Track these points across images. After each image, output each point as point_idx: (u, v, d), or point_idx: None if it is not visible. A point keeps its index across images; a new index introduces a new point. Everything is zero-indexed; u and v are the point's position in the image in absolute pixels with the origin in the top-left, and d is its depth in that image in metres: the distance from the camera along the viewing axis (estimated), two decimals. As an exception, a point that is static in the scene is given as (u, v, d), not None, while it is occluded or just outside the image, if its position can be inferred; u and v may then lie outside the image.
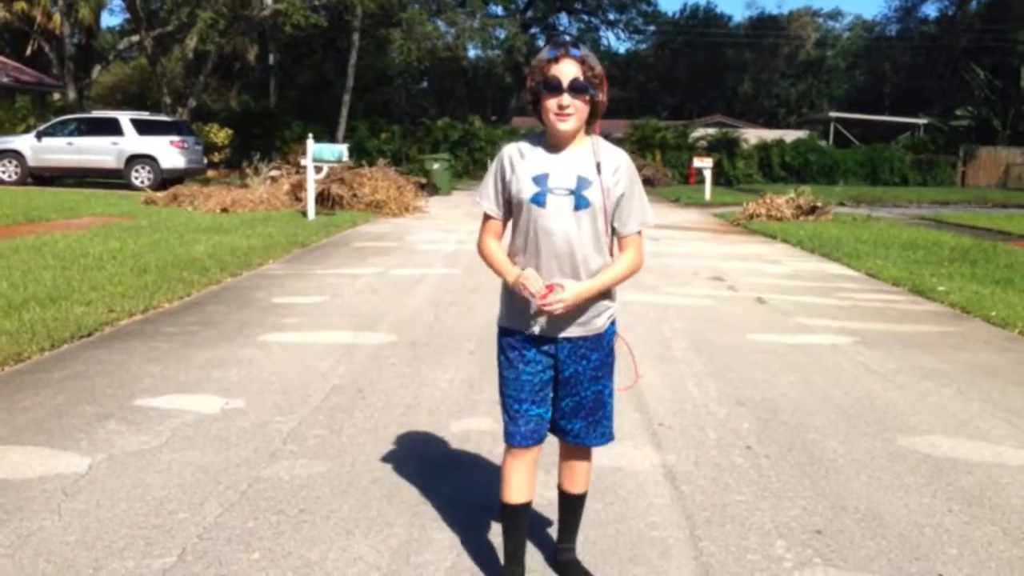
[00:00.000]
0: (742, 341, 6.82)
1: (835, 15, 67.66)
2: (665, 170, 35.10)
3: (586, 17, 58.37)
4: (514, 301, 2.82)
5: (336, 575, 3.00)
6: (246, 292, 8.44)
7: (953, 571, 3.12)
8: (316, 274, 9.71)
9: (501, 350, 2.87)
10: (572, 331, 2.80)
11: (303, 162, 16.90)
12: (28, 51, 30.59)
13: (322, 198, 17.30)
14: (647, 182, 32.76)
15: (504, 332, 2.87)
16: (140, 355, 5.88)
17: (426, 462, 4.06)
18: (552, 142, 2.77)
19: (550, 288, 2.66)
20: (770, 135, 40.62)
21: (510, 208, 2.82)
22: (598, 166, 2.72)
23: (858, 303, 8.71)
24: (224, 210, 16.63)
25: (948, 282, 9.78)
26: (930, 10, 58.21)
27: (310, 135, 17.55)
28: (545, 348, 2.82)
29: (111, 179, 22.79)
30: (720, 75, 62.10)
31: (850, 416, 4.92)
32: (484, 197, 2.86)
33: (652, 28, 62.92)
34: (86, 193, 20.18)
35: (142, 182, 22.16)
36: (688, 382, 5.56)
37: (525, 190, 2.73)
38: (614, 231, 2.81)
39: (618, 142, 38.75)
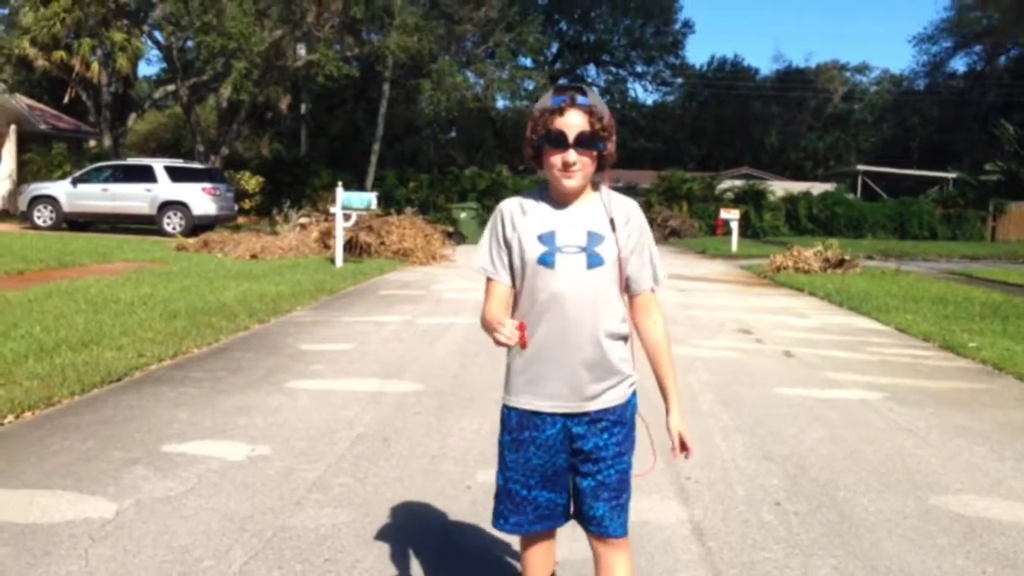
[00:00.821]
0: (770, 395, 6.77)
1: (862, 69, 67.77)
2: (692, 221, 35.10)
3: (614, 69, 58.99)
4: (524, 371, 2.53)
5: (360, 627, 2.97)
6: (274, 339, 8.50)
7: (988, 635, 3.05)
8: (343, 321, 9.76)
9: (506, 429, 2.57)
10: (592, 405, 2.53)
11: (332, 210, 17.10)
12: (66, 99, 31.23)
13: (350, 246, 17.46)
14: (674, 233, 32.84)
15: (512, 410, 2.57)
16: (168, 400, 5.92)
17: (452, 513, 4.04)
18: (556, 196, 2.53)
19: (520, 327, 2.33)
20: (797, 187, 40.59)
21: (513, 272, 2.55)
22: (612, 222, 2.50)
23: (887, 358, 8.63)
24: (253, 256, 16.81)
25: (979, 338, 9.67)
26: (958, 65, 58.25)
27: (339, 183, 17.76)
28: (560, 426, 2.52)
29: (144, 225, 23.13)
30: (747, 127, 62.30)
31: (881, 473, 4.85)
32: (481, 259, 2.58)
33: (679, 80, 63.43)
34: (119, 239, 20.48)
35: (174, 228, 22.47)
36: (716, 436, 5.52)
37: (530, 250, 2.48)
38: (626, 287, 2.57)
39: (645, 193, 38.97)
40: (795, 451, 5.23)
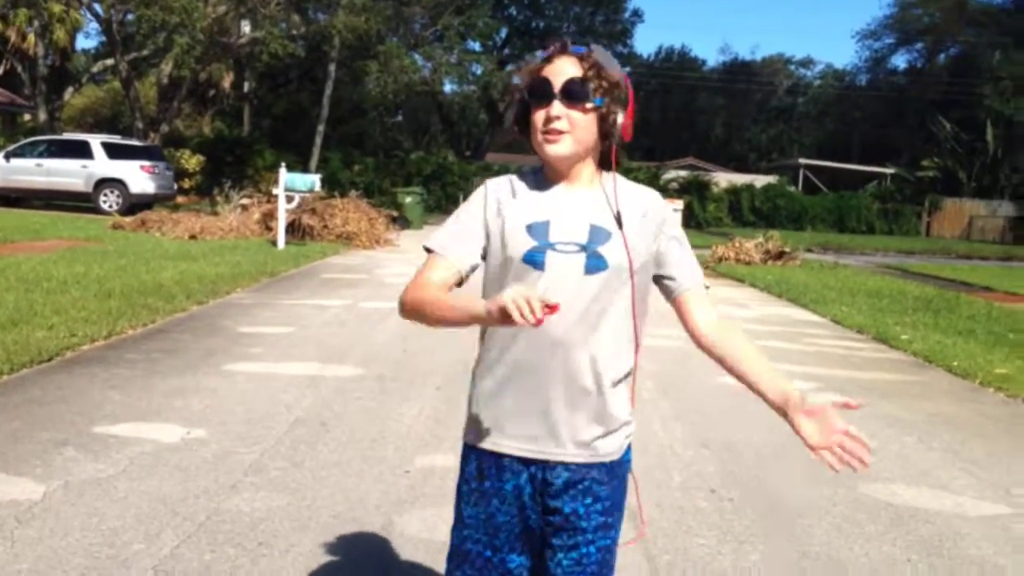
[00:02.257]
0: (709, 383, 6.84)
1: (807, 63, 68.74)
2: (636, 210, 35.30)
3: (562, 57, 58.95)
4: (490, 402, 1.97)
5: (293, 612, 2.95)
6: (212, 320, 8.37)
7: (912, 620, 3.13)
8: (284, 304, 9.65)
9: (463, 476, 2.03)
10: (574, 454, 1.94)
11: (275, 191, 16.86)
12: (0, 71, 30.37)
13: (293, 228, 17.24)
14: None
15: (472, 451, 2.02)
16: (101, 381, 5.80)
17: (390, 497, 4.02)
18: (551, 177, 1.97)
19: (552, 308, 1.62)
20: (741, 179, 41.09)
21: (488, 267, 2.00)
22: (618, 216, 1.91)
23: (823, 349, 8.79)
24: (192, 237, 16.52)
25: (911, 331, 9.90)
26: (900, 61, 59.55)
27: (283, 164, 17.53)
28: (527, 477, 1.96)
29: (79, 202, 22.58)
30: (693, 118, 62.89)
31: (812, 462, 4.91)
32: (437, 239, 1.99)
33: (627, 69, 63.56)
34: (53, 216, 19.99)
35: (110, 206, 21.98)
36: (654, 423, 5.57)
37: (515, 244, 1.90)
38: (668, 292, 2.05)
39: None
40: (731, 439, 5.30)
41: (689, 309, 2.05)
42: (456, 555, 2.03)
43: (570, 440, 1.92)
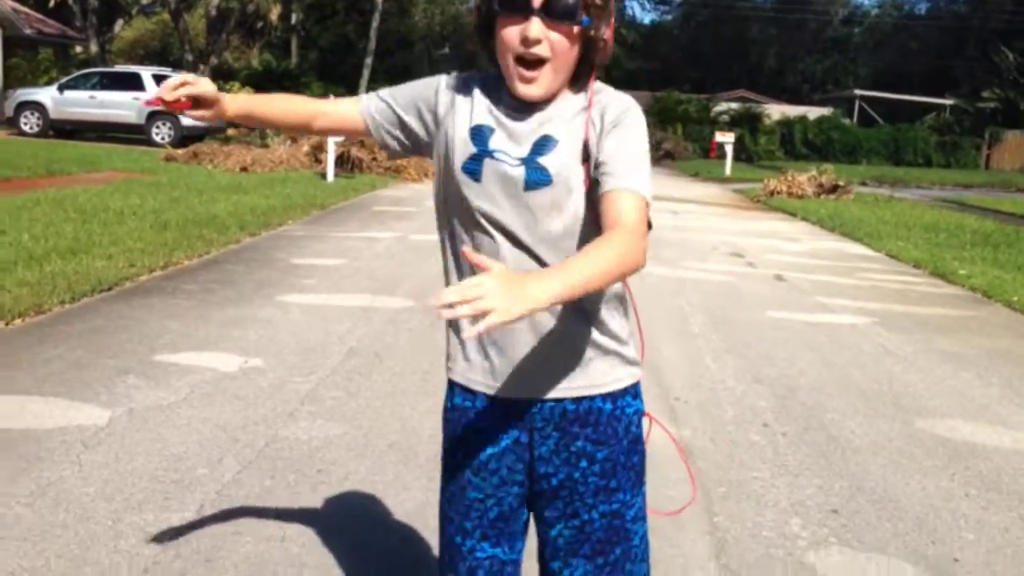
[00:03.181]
0: (761, 318, 6.79)
1: (864, -8, 66.66)
2: (686, 144, 34.89)
3: (612, -14, 57.76)
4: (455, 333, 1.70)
5: (355, 537, 3.01)
6: (265, 252, 8.45)
7: (969, 556, 3.11)
8: (335, 236, 9.71)
9: (445, 432, 1.75)
10: (557, 392, 1.64)
11: (324, 123, 16.85)
12: (51, 3, 30.51)
13: (342, 160, 17.27)
14: (668, 155, 32.59)
15: (452, 386, 1.73)
16: (160, 311, 5.90)
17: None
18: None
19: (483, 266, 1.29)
20: (793, 111, 40.25)
21: (410, 146, 1.73)
22: (586, 146, 1.56)
23: (878, 284, 8.65)
24: (243, 169, 16.64)
25: (970, 265, 9.70)
26: (961, -11, 57.28)
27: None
28: (516, 430, 1.66)
29: (132, 134, 22.80)
30: (744, 49, 61.39)
31: (868, 397, 4.89)
32: (375, 95, 1.74)
33: (678, 0, 62.26)
34: (107, 148, 20.22)
35: (162, 138, 22.18)
36: (706, 357, 5.55)
37: (455, 148, 1.61)
38: (597, 200, 1.53)
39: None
40: (784, 374, 5.27)
41: (605, 208, 1.50)
42: (440, 533, 1.81)
43: (546, 379, 1.63)
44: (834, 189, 18.21)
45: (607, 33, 1.55)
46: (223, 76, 31.78)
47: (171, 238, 8.39)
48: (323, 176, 16.10)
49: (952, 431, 4.42)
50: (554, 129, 1.57)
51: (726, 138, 26.43)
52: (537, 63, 1.52)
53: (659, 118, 36.14)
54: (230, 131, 26.60)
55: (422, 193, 15.27)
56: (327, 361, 4.99)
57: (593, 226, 1.55)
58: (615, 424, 1.67)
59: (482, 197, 1.58)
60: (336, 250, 8.80)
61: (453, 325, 1.68)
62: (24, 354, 4.79)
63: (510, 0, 1.50)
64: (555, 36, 1.50)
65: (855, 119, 42.03)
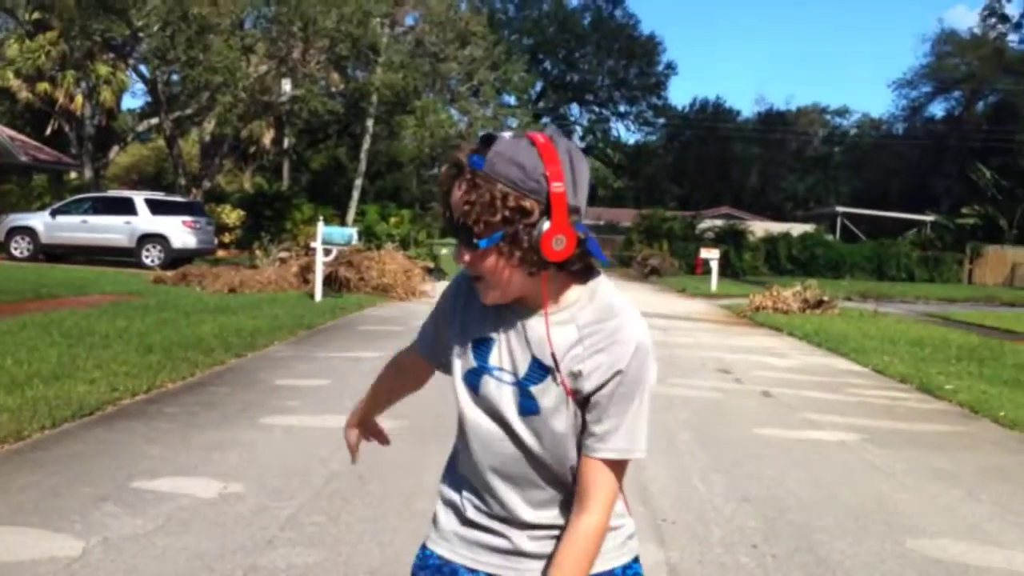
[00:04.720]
0: (748, 435, 6.75)
1: (843, 112, 68.67)
2: (672, 260, 35.30)
3: (597, 108, 59.58)
4: (451, 489, 1.76)
5: (328, 671, 2.91)
6: (250, 373, 8.42)
7: None
8: (321, 357, 9.69)
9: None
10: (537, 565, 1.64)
11: (312, 244, 17.05)
12: (48, 131, 31.17)
13: (330, 280, 17.38)
14: (654, 271, 32.94)
15: (426, 552, 1.77)
16: (140, 435, 5.84)
17: (425, 553, 3.98)
18: None
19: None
20: (777, 228, 40.95)
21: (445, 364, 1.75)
22: (553, 357, 1.54)
23: (865, 399, 8.64)
24: (232, 290, 16.71)
25: (956, 380, 9.71)
26: (937, 109, 59.21)
27: (320, 218, 17.75)
28: None
29: (122, 257, 22.98)
30: (728, 168, 62.90)
31: (858, 516, 4.83)
32: (423, 327, 1.86)
33: (662, 121, 64.06)
34: (96, 271, 20.33)
35: (152, 261, 22.34)
36: (693, 476, 5.49)
37: (461, 359, 1.66)
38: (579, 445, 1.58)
39: (626, 231, 39.14)
40: (773, 493, 5.21)
41: (580, 470, 1.57)
42: None
43: (531, 553, 1.64)
44: (819, 304, 18.35)
45: (545, 230, 1.46)
46: (215, 199, 32.25)
47: (156, 361, 8.36)
48: (311, 296, 16.17)
49: (943, 551, 4.35)
50: (545, 352, 1.55)
51: (711, 254, 26.78)
52: (477, 280, 1.56)
53: (645, 235, 36.75)
54: (220, 252, 26.85)
55: (408, 311, 15.32)
56: (309, 484, 4.91)
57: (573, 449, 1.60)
58: None
59: (477, 408, 1.63)
60: (321, 370, 8.77)
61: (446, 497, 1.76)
62: (0, 482, 4.71)
63: (448, 224, 1.54)
64: (478, 263, 1.52)
65: (838, 235, 42.74)
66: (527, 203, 1.45)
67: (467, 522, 1.69)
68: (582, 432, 1.57)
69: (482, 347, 1.61)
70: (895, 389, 9.41)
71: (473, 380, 1.62)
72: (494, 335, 1.60)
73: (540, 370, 1.56)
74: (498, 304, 1.58)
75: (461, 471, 1.71)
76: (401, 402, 2.04)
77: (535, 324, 1.56)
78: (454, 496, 1.73)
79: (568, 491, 1.62)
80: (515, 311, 1.59)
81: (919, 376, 9.95)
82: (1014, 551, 4.39)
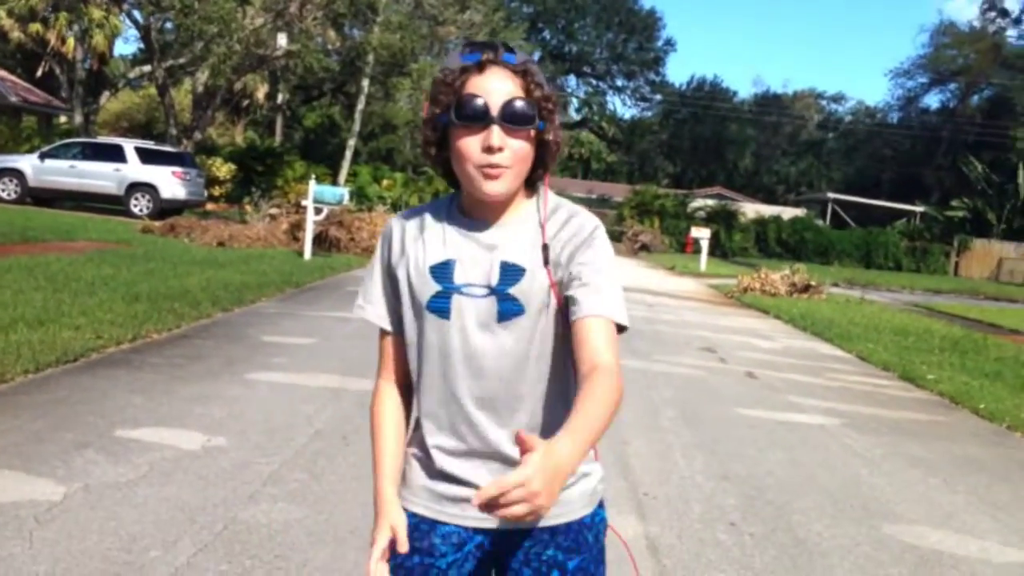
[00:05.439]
0: (731, 414, 6.79)
1: (838, 98, 68.67)
2: (663, 237, 35.36)
3: (594, 81, 59.26)
4: (426, 455, 1.69)
5: (307, 627, 2.93)
6: (236, 328, 8.39)
7: (935, 668, 3.06)
8: (308, 315, 9.67)
9: (394, 550, 1.71)
10: (527, 524, 1.63)
11: (303, 202, 16.96)
12: (39, 72, 30.77)
13: (320, 240, 17.32)
14: (644, 248, 32.96)
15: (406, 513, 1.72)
16: (124, 384, 5.82)
17: (406, 515, 3.99)
18: (468, 208, 1.65)
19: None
20: (768, 210, 41.03)
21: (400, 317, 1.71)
22: (545, 248, 1.58)
23: (848, 385, 8.69)
24: (220, 244, 16.63)
25: (938, 371, 9.78)
26: (932, 101, 59.29)
27: (312, 176, 17.65)
28: (478, 547, 1.68)
29: (110, 204, 22.79)
30: (722, 148, 62.84)
31: (836, 499, 4.87)
32: (365, 299, 1.77)
33: (658, 97, 63.85)
34: (84, 217, 20.18)
35: (141, 210, 22.16)
36: (675, 452, 5.52)
37: (421, 289, 1.62)
38: (570, 321, 1.55)
39: (618, 206, 39.10)
40: (752, 472, 5.24)
41: (580, 340, 1.51)
42: None
43: None
44: (806, 289, 18.43)
45: (558, 135, 1.61)
46: (206, 151, 31.99)
47: (141, 310, 8.32)
48: (300, 254, 16.11)
49: (919, 538, 4.39)
50: (516, 253, 1.59)
51: (702, 233, 26.82)
52: (501, 168, 1.55)
53: (637, 211, 36.73)
54: (209, 205, 26.68)
55: (398, 275, 15.30)
56: (292, 442, 4.91)
57: (565, 346, 1.58)
58: (586, 532, 1.66)
59: (452, 333, 1.59)
60: (308, 329, 8.75)
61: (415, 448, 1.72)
62: (-18, 423, 4.69)
63: (470, 113, 1.52)
64: (515, 143, 1.54)
65: (827, 221, 42.85)
66: (555, 100, 1.60)
67: (437, 474, 1.66)
68: (567, 311, 1.56)
69: (441, 270, 1.61)
70: (877, 376, 9.47)
71: (441, 304, 1.60)
72: (452, 256, 1.61)
73: (513, 271, 1.58)
74: (490, 203, 1.60)
75: (430, 418, 1.67)
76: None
77: (495, 232, 1.61)
78: (420, 452, 1.71)
79: (553, 420, 1.59)
80: (468, 227, 1.63)
81: (902, 364, 10.01)
82: (988, 541, 4.44)
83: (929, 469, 5.74)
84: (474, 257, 1.60)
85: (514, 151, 1.54)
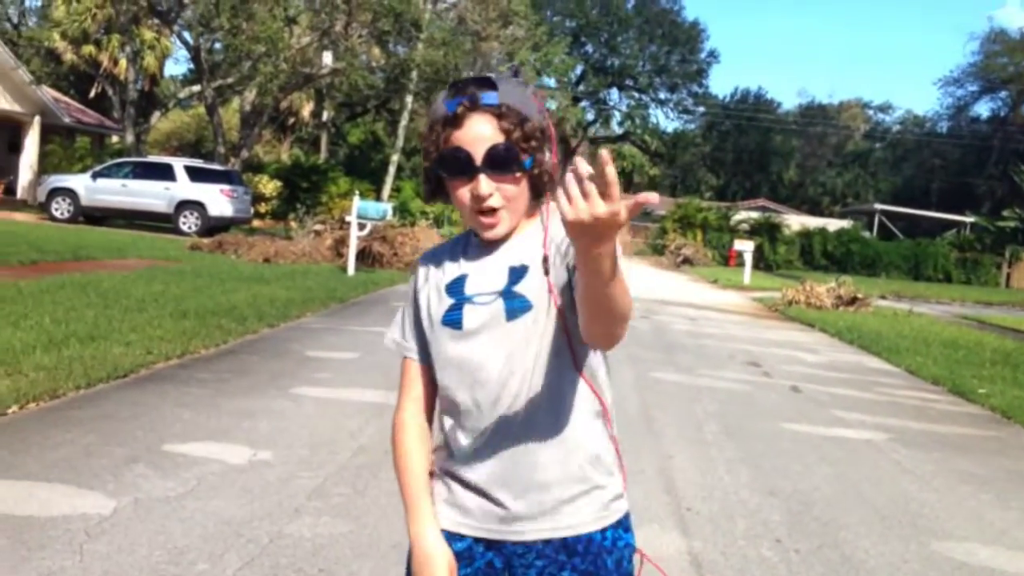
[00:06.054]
0: (776, 429, 6.72)
1: (886, 108, 67.80)
2: (705, 250, 35.12)
3: (637, 94, 59.11)
4: (447, 466, 1.71)
5: (351, 640, 2.95)
6: (282, 343, 8.50)
7: None
8: (352, 330, 9.76)
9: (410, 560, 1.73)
10: (527, 530, 1.62)
11: (347, 218, 17.13)
12: (92, 93, 31.49)
13: (363, 255, 17.48)
14: (687, 261, 32.77)
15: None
16: (173, 399, 5.92)
17: (449, 530, 4.01)
18: (483, 240, 1.68)
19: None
20: (813, 222, 40.57)
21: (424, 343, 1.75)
22: (545, 260, 1.59)
23: (896, 399, 8.56)
24: (267, 260, 16.86)
25: (989, 384, 9.59)
26: (982, 109, 58.27)
27: (356, 192, 17.82)
28: (488, 565, 1.66)
29: (160, 223, 23.22)
30: (766, 160, 62.34)
31: (884, 516, 4.80)
32: (393, 326, 1.83)
33: (701, 109, 63.53)
34: (134, 235, 20.56)
35: (189, 227, 22.55)
36: (719, 467, 5.48)
37: (436, 308, 1.68)
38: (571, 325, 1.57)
39: (660, 219, 38.94)
40: (799, 488, 5.18)
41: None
42: None
43: (518, 515, 1.62)
44: (853, 301, 18.19)
45: (549, 159, 1.60)
46: (253, 169, 32.44)
47: (190, 326, 8.46)
48: (344, 269, 16.26)
49: (969, 555, 4.31)
50: (520, 257, 1.63)
51: (745, 246, 26.59)
52: (494, 211, 1.60)
53: (679, 224, 36.54)
54: (255, 222, 27.05)
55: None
56: (336, 456, 4.96)
57: (565, 349, 1.59)
58: (605, 556, 1.62)
59: (465, 341, 1.63)
60: (352, 344, 8.83)
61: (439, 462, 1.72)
62: (35, 438, 4.80)
63: (455, 165, 1.57)
64: (505, 187, 1.58)
65: (875, 232, 42.29)
66: (543, 127, 1.60)
67: (465, 486, 1.67)
68: (570, 312, 1.56)
69: (455, 285, 1.67)
70: (927, 390, 9.32)
71: (454, 316, 1.65)
72: (465, 272, 1.68)
73: (518, 271, 1.62)
74: (499, 237, 1.63)
75: (445, 426, 1.70)
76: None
77: (504, 249, 1.65)
78: (447, 470, 1.72)
79: (555, 421, 1.60)
80: (481, 250, 1.68)
81: (952, 378, 9.84)
82: (1042, 559, 4.35)
83: (981, 485, 5.64)
84: (484, 269, 1.65)
85: (505, 192, 1.58)
